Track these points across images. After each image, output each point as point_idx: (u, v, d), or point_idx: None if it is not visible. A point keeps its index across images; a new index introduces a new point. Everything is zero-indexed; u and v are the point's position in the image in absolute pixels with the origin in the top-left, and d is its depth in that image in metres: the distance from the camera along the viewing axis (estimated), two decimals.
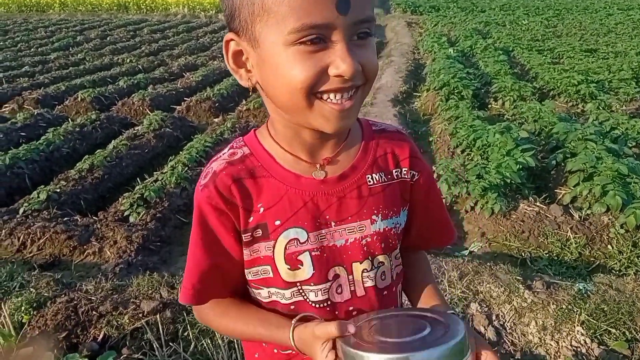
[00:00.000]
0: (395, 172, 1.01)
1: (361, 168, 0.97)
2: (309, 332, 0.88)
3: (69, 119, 6.60)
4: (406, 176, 1.02)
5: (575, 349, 2.55)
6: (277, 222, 0.92)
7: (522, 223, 3.66)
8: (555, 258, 3.45)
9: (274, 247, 0.93)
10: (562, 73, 7.68)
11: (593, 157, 4.09)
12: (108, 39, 13.94)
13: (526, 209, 3.77)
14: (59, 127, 5.96)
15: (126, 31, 15.26)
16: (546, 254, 3.48)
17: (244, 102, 7.50)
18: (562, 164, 4.46)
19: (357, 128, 1.01)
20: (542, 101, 6.50)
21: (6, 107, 7.53)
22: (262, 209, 0.92)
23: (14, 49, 12.39)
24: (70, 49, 12.39)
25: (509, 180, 4.01)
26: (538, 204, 3.83)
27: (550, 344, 2.59)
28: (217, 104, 7.36)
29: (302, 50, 0.77)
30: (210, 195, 0.90)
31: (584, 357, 2.52)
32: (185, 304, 1.00)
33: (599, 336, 2.59)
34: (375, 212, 0.97)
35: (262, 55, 0.81)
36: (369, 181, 0.97)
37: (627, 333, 2.63)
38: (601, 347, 2.55)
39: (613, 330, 2.63)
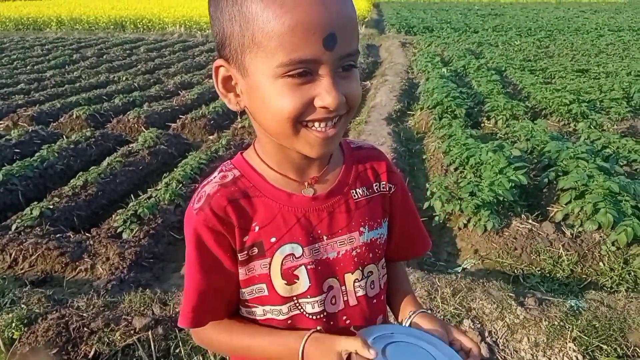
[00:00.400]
0: (375, 185, 1.06)
1: (346, 184, 1.02)
2: (330, 342, 0.91)
3: (64, 136, 6.61)
4: (385, 189, 1.07)
5: None
6: (273, 239, 0.95)
7: (514, 240, 3.68)
8: (548, 275, 3.46)
9: (270, 264, 0.96)
10: (554, 92, 7.77)
11: (584, 176, 4.13)
12: (104, 57, 13.99)
13: (518, 227, 3.79)
14: (53, 144, 5.97)
15: (122, 50, 15.33)
16: (538, 271, 3.49)
17: (239, 119, 7.51)
18: (554, 182, 4.50)
19: (338, 147, 1.06)
20: (534, 120, 6.57)
21: (1, 124, 7.54)
22: (257, 228, 0.95)
23: (10, 67, 12.41)
24: (67, 67, 12.42)
25: (501, 198, 4.04)
26: (530, 221, 3.86)
27: None
28: (212, 122, 7.39)
29: (290, 83, 0.81)
30: (207, 218, 0.92)
31: None
32: (185, 328, 1.00)
33: (590, 352, 2.60)
34: (362, 224, 1.02)
35: (250, 84, 0.85)
36: (354, 195, 1.02)
37: (618, 349, 2.64)
38: None
39: (605, 347, 2.64)
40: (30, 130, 6.61)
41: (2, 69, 11.99)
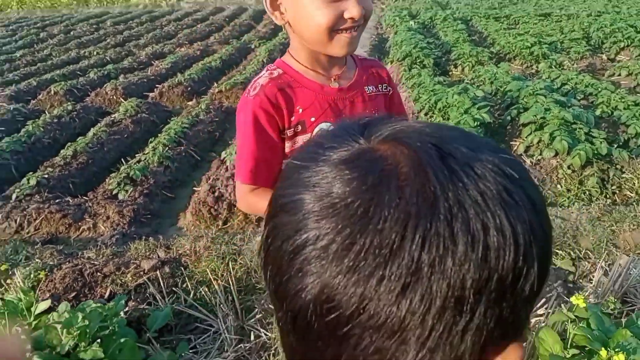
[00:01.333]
0: (380, 86, 1.40)
1: (361, 81, 1.35)
2: None
3: (45, 112, 6.74)
4: (386, 90, 1.42)
5: None
6: (312, 119, 1.27)
7: None
8: None
9: (310, 137, 1.29)
10: (516, 37, 8.08)
11: (542, 109, 4.48)
12: (72, 33, 13.85)
13: None
14: (37, 120, 6.12)
15: (89, 25, 15.16)
16: None
17: (215, 85, 7.72)
18: (517, 119, 4.85)
19: (349, 57, 1.37)
20: (499, 64, 6.89)
21: None
22: (300, 110, 1.26)
23: None
24: (35, 46, 12.31)
25: None
26: None
27: None
28: (189, 89, 7.56)
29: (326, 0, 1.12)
30: (262, 101, 1.22)
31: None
32: (243, 184, 1.27)
33: None
34: (374, 112, 1.35)
35: (293, 1, 1.16)
36: (367, 91, 1.36)
37: (571, 253, 3.03)
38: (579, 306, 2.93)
39: (560, 252, 3.02)
40: (11, 109, 6.72)
41: None
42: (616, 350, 1.64)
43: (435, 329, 0.38)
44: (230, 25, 13.63)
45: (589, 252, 3.03)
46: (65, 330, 2.21)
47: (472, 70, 7.04)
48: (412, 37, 8.23)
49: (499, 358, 0.43)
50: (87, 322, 2.24)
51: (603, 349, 1.65)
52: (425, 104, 5.33)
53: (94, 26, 14.89)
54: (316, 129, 1.27)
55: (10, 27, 15.71)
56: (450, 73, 7.41)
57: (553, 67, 6.78)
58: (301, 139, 1.27)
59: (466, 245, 0.37)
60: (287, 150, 1.28)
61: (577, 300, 1.83)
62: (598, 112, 5.08)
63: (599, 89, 5.43)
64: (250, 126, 1.23)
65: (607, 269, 2.77)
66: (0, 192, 4.55)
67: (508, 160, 0.42)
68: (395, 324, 0.38)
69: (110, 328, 2.33)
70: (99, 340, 2.20)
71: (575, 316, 1.94)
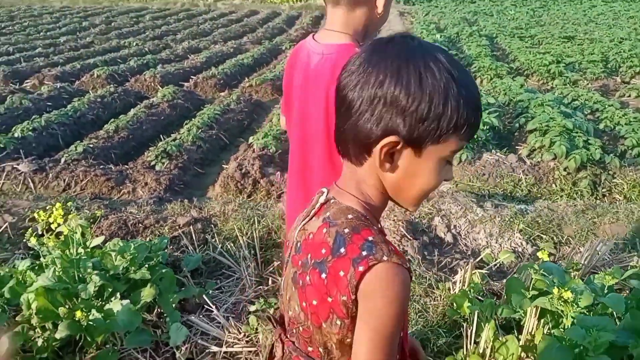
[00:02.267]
0: None
1: None
2: None
3: (89, 92, 7.30)
4: None
5: (513, 248, 3.32)
6: None
7: (483, 168, 4.44)
8: (509, 194, 4.22)
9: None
10: (536, 55, 8.45)
11: (547, 117, 4.86)
12: (112, 24, 14.57)
13: (488, 158, 4.54)
14: (82, 97, 6.67)
15: (129, 17, 15.89)
16: (501, 191, 4.25)
17: (246, 79, 8.23)
18: (524, 126, 5.23)
19: None
20: (515, 79, 7.27)
21: (27, 82, 8.22)
22: None
23: (23, 33, 12.98)
24: (78, 34, 13.02)
25: (475, 136, 4.77)
26: (498, 154, 4.61)
27: (495, 246, 3.36)
28: (221, 81, 8.08)
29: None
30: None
31: (519, 254, 3.29)
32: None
33: (532, 240, 3.37)
34: None
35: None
36: None
37: (554, 238, 3.42)
38: (533, 247, 3.32)
39: (544, 236, 3.41)
40: (58, 87, 7.30)
41: (18, 35, 12.57)
42: (566, 289, 2.04)
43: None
44: (264, 27, 14.19)
45: (570, 239, 3.41)
46: (118, 256, 2.67)
47: (490, 82, 7.42)
48: None
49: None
50: (136, 252, 2.70)
51: (556, 288, 2.05)
52: None
53: (134, 19, 15.60)
54: None
55: (55, 15, 16.52)
56: None
57: (567, 84, 7.14)
58: None
59: (416, 80, 0.83)
60: None
61: (542, 254, 2.23)
62: (602, 126, 5.44)
63: (605, 106, 5.79)
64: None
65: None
66: (49, 157, 5.07)
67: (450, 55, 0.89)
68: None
69: (155, 260, 2.79)
70: (146, 266, 2.66)
71: (542, 273, 2.34)
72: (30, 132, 5.34)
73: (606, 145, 5.08)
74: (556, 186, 4.26)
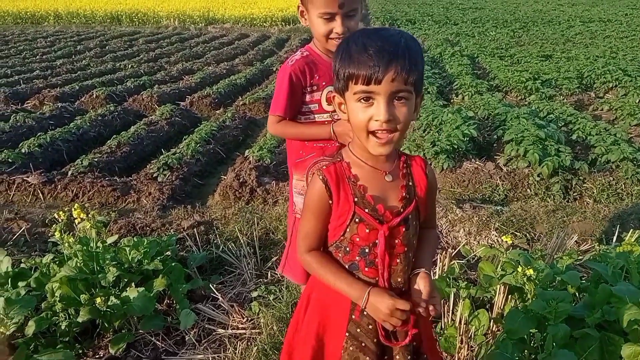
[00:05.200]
0: None
1: None
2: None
3: (90, 111, 7.61)
4: None
5: (490, 244, 3.65)
6: (324, 83, 2.04)
7: (463, 175, 4.78)
8: (487, 199, 4.57)
9: (321, 94, 2.05)
10: (514, 73, 8.91)
11: (522, 129, 5.24)
12: (107, 48, 14.92)
13: (468, 166, 4.90)
14: (84, 116, 6.98)
15: (122, 41, 16.26)
16: (480, 195, 4.59)
17: (240, 98, 8.60)
18: (502, 138, 5.61)
19: None
20: (494, 94, 7.69)
21: (28, 103, 8.51)
22: (317, 77, 2.04)
23: (20, 57, 13.29)
24: (73, 57, 13.34)
25: (456, 147, 5.14)
26: (477, 162, 4.97)
27: (473, 243, 3.68)
28: (216, 100, 8.43)
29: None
30: (295, 68, 2.01)
31: (495, 249, 3.61)
32: (275, 114, 2.07)
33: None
34: None
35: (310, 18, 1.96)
36: None
37: (527, 235, 3.75)
38: (508, 243, 3.64)
39: (518, 234, 3.75)
40: (59, 106, 7.60)
41: (14, 59, 12.89)
42: (529, 268, 2.36)
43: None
44: (254, 49, 14.62)
45: (541, 235, 3.74)
46: (133, 251, 2.97)
47: (471, 98, 7.83)
48: None
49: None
50: (148, 247, 3.00)
51: (520, 267, 2.37)
52: (424, 120, 6.12)
53: (127, 43, 15.98)
54: (325, 90, 2.04)
55: (49, 39, 16.86)
56: (452, 100, 8.21)
57: (543, 99, 7.57)
58: (316, 94, 2.05)
59: (377, 49, 1.25)
60: (307, 99, 2.06)
61: (506, 238, 2.56)
62: (574, 136, 5.84)
63: (578, 118, 6.20)
64: (286, 80, 2.02)
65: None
66: (55, 171, 5.36)
67: (381, 28, 1.32)
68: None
69: (165, 254, 3.08)
70: (158, 259, 2.96)
71: (508, 256, 2.66)
72: (37, 148, 5.62)
73: (578, 154, 5.47)
74: (531, 191, 4.62)
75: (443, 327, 2.57)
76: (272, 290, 3.03)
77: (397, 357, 1.50)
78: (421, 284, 1.47)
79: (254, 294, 3.02)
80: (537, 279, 2.39)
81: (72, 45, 15.24)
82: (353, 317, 1.49)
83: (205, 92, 8.68)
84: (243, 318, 2.88)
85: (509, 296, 2.55)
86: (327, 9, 1.90)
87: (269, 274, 3.33)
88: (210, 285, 3.15)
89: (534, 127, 5.28)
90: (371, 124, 1.32)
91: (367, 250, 1.44)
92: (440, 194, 4.68)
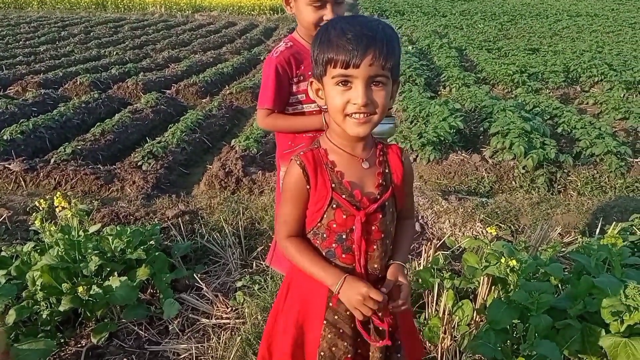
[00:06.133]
0: None
1: None
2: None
3: (74, 98, 7.49)
4: None
5: (475, 236, 3.67)
6: (309, 73, 1.98)
7: (449, 167, 4.80)
8: (473, 190, 4.59)
9: (307, 84, 2.02)
10: (501, 66, 8.93)
11: (508, 121, 5.26)
12: (92, 34, 14.70)
13: (454, 158, 4.91)
14: (67, 103, 6.87)
15: (107, 28, 16.03)
16: (466, 187, 4.61)
17: (227, 87, 8.53)
18: (488, 130, 5.63)
19: None
20: (481, 87, 7.71)
21: (11, 89, 8.36)
22: (302, 67, 2.02)
23: (2, 42, 13.04)
24: (57, 43, 13.12)
25: (442, 138, 5.14)
26: (463, 154, 4.98)
27: (458, 234, 3.70)
28: (203, 89, 8.35)
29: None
30: (280, 60, 1.99)
31: (480, 240, 3.62)
32: (264, 107, 2.04)
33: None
34: None
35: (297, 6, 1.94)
36: None
37: (512, 227, 3.78)
38: (493, 235, 3.66)
39: (502, 225, 3.77)
40: (42, 93, 7.48)
41: None
42: (512, 259, 2.37)
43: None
44: (242, 38, 14.50)
45: (526, 227, 3.77)
46: (115, 240, 2.93)
47: (458, 90, 7.85)
48: (407, 59, 9.07)
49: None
50: (132, 236, 2.97)
51: (504, 258, 2.38)
52: (411, 112, 6.12)
53: (113, 29, 15.76)
54: (311, 78, 2.03)
55: (32, 25, 16.56)
56: (439, 92, 8.22)
57: (530, 92, 7.60)
58: (302, 85, 2.03)
59: (355, 34, 1.27)
60: (294, 90, 2.04)
61: (490, 229, 2.57)
62: (560, 130, 5.88)
63: (563, 112, 6.24)
64: (272, 73, 2.00)
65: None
66: (38, 158, 5.27)
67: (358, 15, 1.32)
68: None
69: (149, 243, 3.05)
70: (141, 248, 2.92)
71: (492, 247, 2.67)
72: (19, 135, 5.53)
73: (563, 147, 5.51)
74: (516, 183, 4.64)
75: (427, 317, 2.58)
76: (257, 280, 3.02)
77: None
78: (390, 275, 1.50)
79: (239, 284, 3.01)
80: (520, 270, 2.40)
81: (56, 31, 14.99)
82: (330, 304, 1.49)
83: (192, 80, 8.60)
84: (227, 308, 2.87)
85: (493, 287, 2.57)
86: None
87: (254, 264, 3.31)
88: (195, 274, 3.13)
89: (520, 120, 5.30)
90: (348, 107, 1.34)
91: (344, 237, 1.45)
92: (426, 186, 4.69)
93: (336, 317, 1.49)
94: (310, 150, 1.46)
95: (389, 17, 19.95)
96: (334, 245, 1.46)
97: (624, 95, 7.82)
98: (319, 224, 1.46)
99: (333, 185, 1.43)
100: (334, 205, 1.43)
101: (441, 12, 21.11)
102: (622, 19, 19.63)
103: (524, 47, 12.21)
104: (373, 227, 1.46)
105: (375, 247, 1.47)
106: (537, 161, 4.62)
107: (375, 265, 1.49)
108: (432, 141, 5.04)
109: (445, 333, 2.40)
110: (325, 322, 1.49)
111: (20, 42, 13.01)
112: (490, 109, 6.04)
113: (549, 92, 8.08)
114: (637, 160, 4.97)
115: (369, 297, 1.39)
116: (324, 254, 1.48)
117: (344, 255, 1.46)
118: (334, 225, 1.44)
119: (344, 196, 1.42)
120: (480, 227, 3.71)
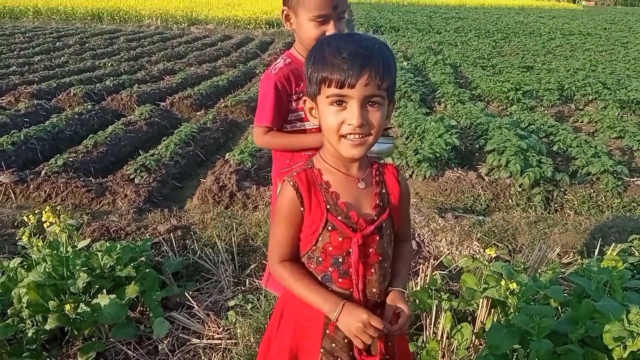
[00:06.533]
0: None
1: None
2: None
3: (66, 109, 7.42)
4: None
5: (472, 255, 3.61)
6: None
7: (446, 184, 4.76)
8: (469, 208, 4.54)
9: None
10: (496, 83, 8.96)
11: (504, 139, 5.24)
12: (87, 45, 14.65)
13: (450, 175, 4.87)
14: (60, 114, 6.80)
15: (103, 39, 15.99)
16: (462, 205, 4.57)
17: (222, 100, 8.49)
18: (484, 147, 5.60)
19: None
20: (476, 104, 7.71)
21: (3, 99, 8.28)
22: (302, 84, 1.94)
23: None
24: (52, 53, 13.06)
25: (438, 155, 5.11)
26: (459, 171, 4.95)
27: (455, 253, 3.65)
28: (197, 101, 8.30)
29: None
30: (280, 77, 1.93)
31: (477, 259, 3.57)
32: (262, 125, 1.99)
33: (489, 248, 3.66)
34: None
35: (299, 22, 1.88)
36: None
37: (509, 246, 3.73)
38: (492, 256, 3.61)
39: (500, 244, 3.72)
40: (35, 104, 7.40)
41: None
42: (512, 281, 2.32)
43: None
44: (238, 51, 14.50)
45: (523, 247, 3.73)
46: (105, 256, 2.85)
47: (454, 107, 7.85)
48: (403, 75, 9.09)
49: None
50: (121, 253, 2.89)
51: (504, 280, 2.33)
52: (407, 128, 6.09)
53: (108, 41, 15.72)
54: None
55: (27, 35, 16.50)
56: (434, 109, 8.22)
57: (525, 110, 7.62)
58: (301, 102, 1.97)
59: (351, 52, 1.23)
60: (293, 107, 1.99)
61: (489, 251, 2.52)
62: (555, 148, 5.87)
63: (559, 130, 6.24)
64: (272, 90, 1.95)
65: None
66: (28, 170, 5.19)
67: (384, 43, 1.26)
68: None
69: (139, 260, 2.98)
70: (131, 265, 2.85)
71: (491, 269, 2.62)
72: (10, 146, 5.45)
73: (559, 165, 5.49)
74: (512, 201, 4.61)
75: (424, 340, 2.51)
76: (250, 299, 2.95)
77: None
78: (390, 301, 1.46)
79: (231, 303, 2.93)
80: (520, 293, 2.35)
81: (50, 41, 14.94)
82: (327, 331, 1.43)
83: (187, 93, 8.55)
84: (219, 328, 2.79)
85: (492, 310, 2.51)
86: (322, 11, 1.82)
87: (247, 282, 3.24)
88: (186, 292, 3.05)
89: (516, 137, 5.29)
90: (343, 128, 1.30)
91: (340, 260, 1.39)
92: (422, 203, 4.64)
93: (334, 345, 1.43)
94: (304, 170, 1.41)
95: (384, 32, 20.07)
96: (330, 269, 1.41)
97: (619, 113, 7.84)
98: (314, 247, 1.41)
99: (328, 206, 1.37)
100: (330, 228, 1.37)
101: (435, 29, 21.26)
102: (614, 38, 19.86)
103: (518, 64, 12.28)
104: (370, 250, 1.41)
105: (373, 270, 1.42)
106: (533, 179, 4.59)
107: (374, 290, 1.44)
108: (428, 158, 5.00)
109: (443, 357, 2.34)
110: (322, 350, 1.43)
111: (15, 52, 12.94)
112: (486, 126, 6.02)
113: (544, 110, 8.10)
114: (633, 179, 4.95)
115: (370, 325, 1.33)
116: (319, 278, 1.42)
117: (340, 280, 1.41)
118: (330, 248, 1.39)
119: (339, 218, 1.37)
120: (477, 246, 3.66)
